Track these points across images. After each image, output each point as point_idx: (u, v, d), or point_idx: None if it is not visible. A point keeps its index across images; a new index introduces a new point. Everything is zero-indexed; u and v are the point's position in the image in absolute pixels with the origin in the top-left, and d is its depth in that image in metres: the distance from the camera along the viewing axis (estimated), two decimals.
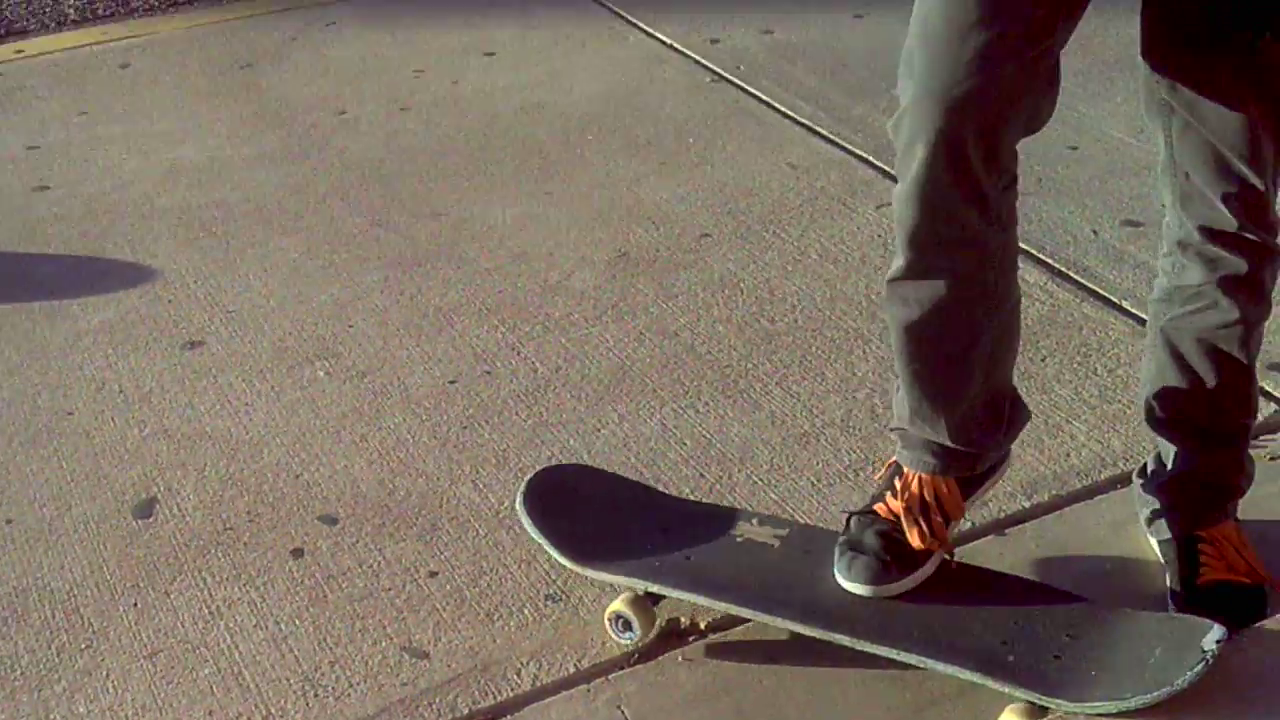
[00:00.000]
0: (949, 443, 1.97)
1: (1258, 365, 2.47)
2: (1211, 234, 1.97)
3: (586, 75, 3.86)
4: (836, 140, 3.42)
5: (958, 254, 1.86)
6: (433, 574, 2.22)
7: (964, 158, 1.77)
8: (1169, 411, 2.09)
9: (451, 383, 2.65)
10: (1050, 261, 2.91)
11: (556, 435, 2.50)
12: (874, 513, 2.04)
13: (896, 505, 2.02)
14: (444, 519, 2.33)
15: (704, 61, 3.86)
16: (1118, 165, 3.26)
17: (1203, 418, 2.07)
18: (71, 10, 4.60)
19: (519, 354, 2.72)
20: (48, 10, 4.61)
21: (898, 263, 1.87)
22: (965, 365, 1.94)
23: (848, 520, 2.06)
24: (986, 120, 1.77)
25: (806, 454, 2.43)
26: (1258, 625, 1.92)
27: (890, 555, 1.99)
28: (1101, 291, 2.80)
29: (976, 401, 1.97)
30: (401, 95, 3.83)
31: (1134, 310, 2.74)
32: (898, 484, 2.03)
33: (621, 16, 4.18)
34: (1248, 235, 1.94)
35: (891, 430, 2.06)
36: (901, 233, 1.83)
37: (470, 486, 2.39)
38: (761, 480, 2.37)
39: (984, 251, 1.89)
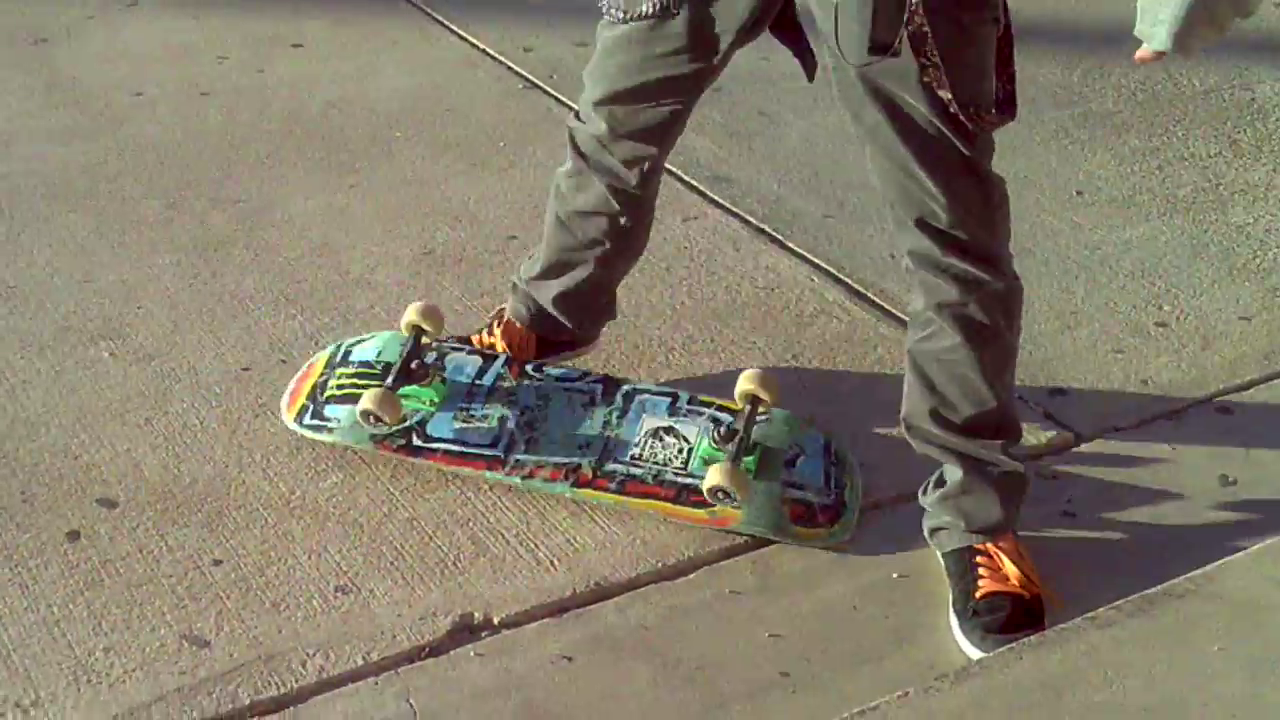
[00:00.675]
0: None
1: (1042, 387, 2.58)
2: (917, 260, 2.06)
3: (397, 73, 3.82)
4: None
5: None
6: (217, 562, 2.15)
7: None
8: (924, 431, 2.17)
9: (245, 369, 2.58)
10: (849, 281, 2.97)
11: None
12: None
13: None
14: (231, 507, 2.26)
15: (516, 68, 3.85)
16: None
17: (956, 438, 2.14)
18: None
19: (317, 343, 2.66)
20: None
21: None
22: None
23: None
24: None
25: None
26: (1032, 636, 1.98)
27: None
28: (897, 312, 2.87)
29: None
30: (203, 81, 3.72)
31: None
32: None
33: (434, 18, 4.14)
34: (951, 263, 2.02)
35: None
36: None
37: (260, 474, 2.33)
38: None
39: None
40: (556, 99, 3.68)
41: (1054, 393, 2.65)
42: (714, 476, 2.20)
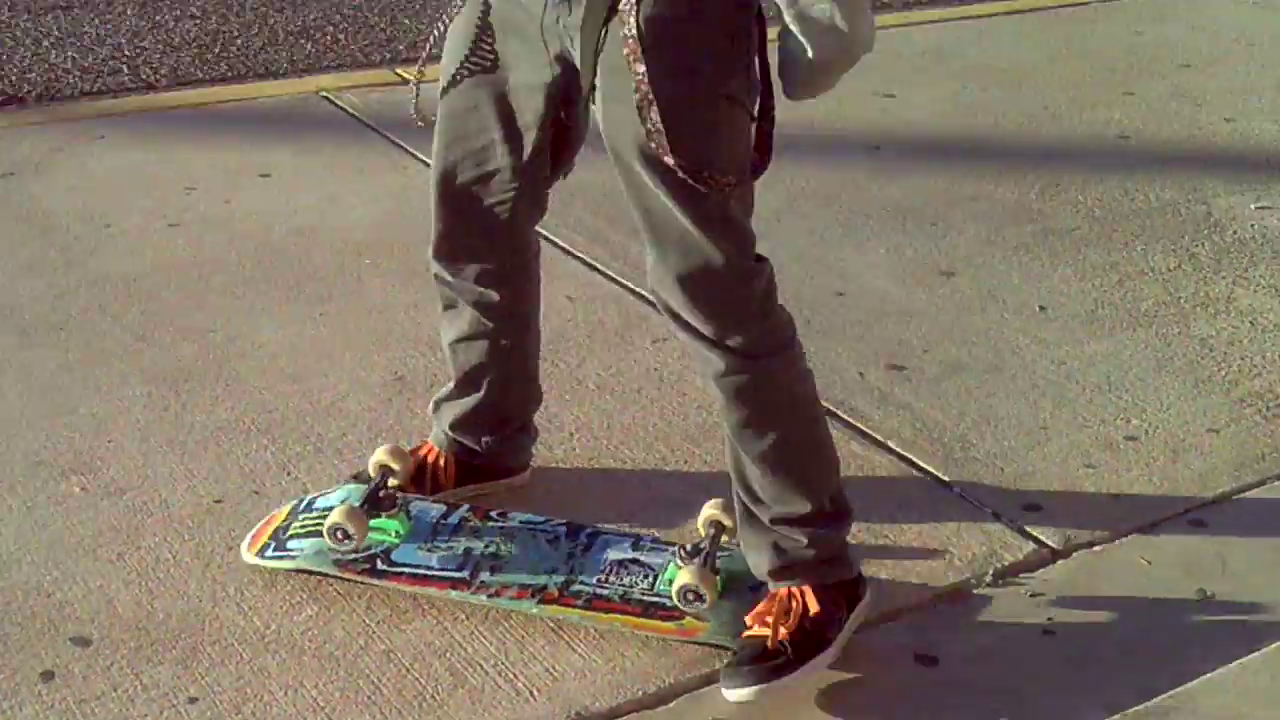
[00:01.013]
0: None
1: (1015, 503, 2.60)
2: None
3: (364, 201, 3.85)
4: (613, 276, 3.48)
5: None
6: (192, 700, 2.12)
7: None
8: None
9: (217, 502, 2.56)
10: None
11: None
12: None
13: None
14: (206, 642, 2.23)
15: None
16: (881, 311, 3.40)
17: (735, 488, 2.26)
18: None
19: (289, 474, 2.65)
20: None
21: None
22: None
23: None
24: None
25: None
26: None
27: None
28: (867, 430, 2.89)
29: None
30: (170, 212, 3.74)
31: (898, 449, 2.83)
32: None
33: (400, 146, 4.19)
34: (685, 338, 2.17)
35: None
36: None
37: (234, 609, 2.31)
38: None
39: None
40: None
41: (1028, 508, 2.66)
42: (684, 577, 2.25)
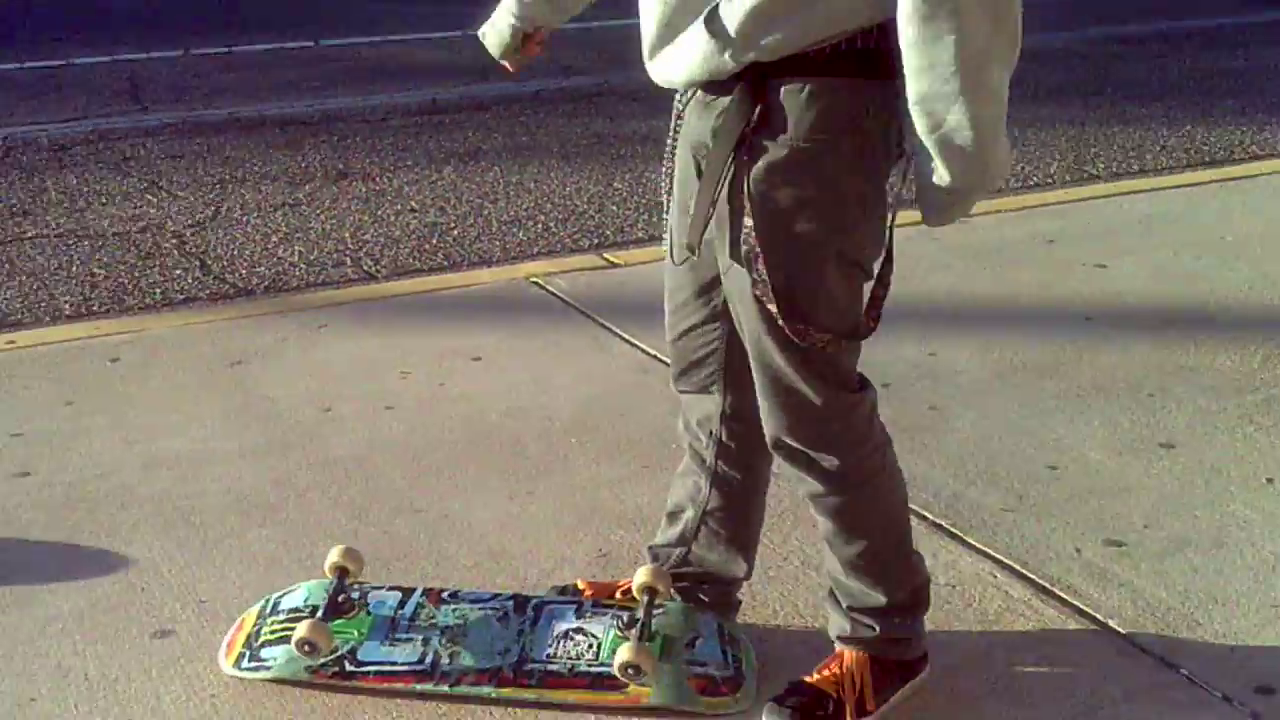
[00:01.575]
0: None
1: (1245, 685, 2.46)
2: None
3: (571, 381, 3.92)
4: None
5: None
6: None
7: None
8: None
9: None
10: (1034, 578, 2.90)
11: None
12: None
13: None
14: None
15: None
16: (1097, 485, 3.29)
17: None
18: (66, 305, 4.69)
19: None
20: (43, 304, 4.69)
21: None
22: None
23: None
24: None
25: None
26: None
27: None
28: (1085, 609, 2.79)
29: None
30: (387, 395, 3.87)
31: (1119, 629, 2.72)
32: None
33: (606, 327, 4.28)
34: (784, 465, 2.35)
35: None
36: None
37: None
38: None
39: None
40: None
41: (1260, 690, 2.51)
42: (623, 654, 2.44)
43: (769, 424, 2.28)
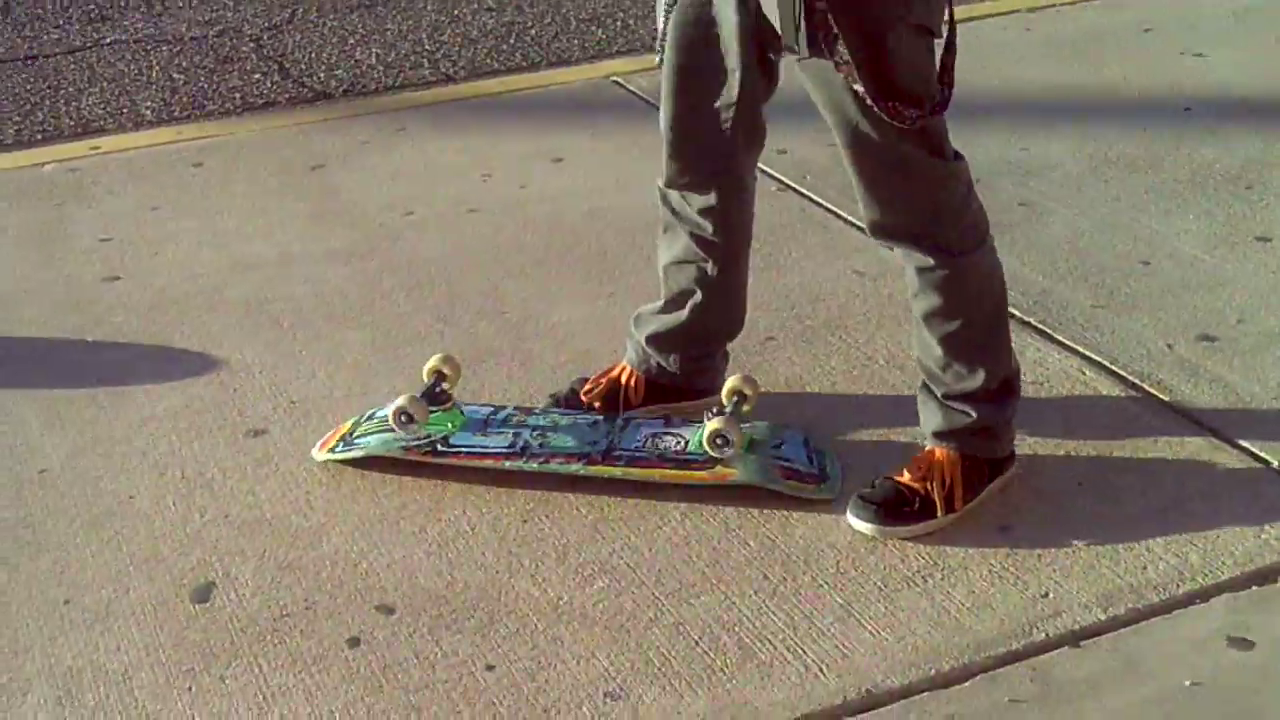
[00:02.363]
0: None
1: None
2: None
3: (653, 181, 3.87)
4: None
5: None
6: (490, 667, 2.17)
7: None
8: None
9: (511, 474, 2.62)
10: (1124, 374, 2.86)
11: (617, 530, 2.47)
12: None
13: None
14: (502, 613, 2.29)
15: (770, 170, 3.86)
16: (1191, 280, 3.23)
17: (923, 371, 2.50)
18: (148, 111, 4.69)
19: None
20: (125, 111, 4.70)
21: None
22: None
23: None
24: None
25: (873, 559, 2.38)
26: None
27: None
28: (1176, 405, 2.75)
29: None
30: (469, 198, 3.86)
31: (1210, 424, 2.68)
32: None
33: None
34: (890, 245, 2.41)
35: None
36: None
37: (529, 580, 2.36)
38: (827, 583, 2.32)
39: None
40: (811, 199, 3.69)
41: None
42: (714, 424, 2.49)
43: (871, 210, 2.35)
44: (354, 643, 2.23)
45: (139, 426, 2.83)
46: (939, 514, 2.42)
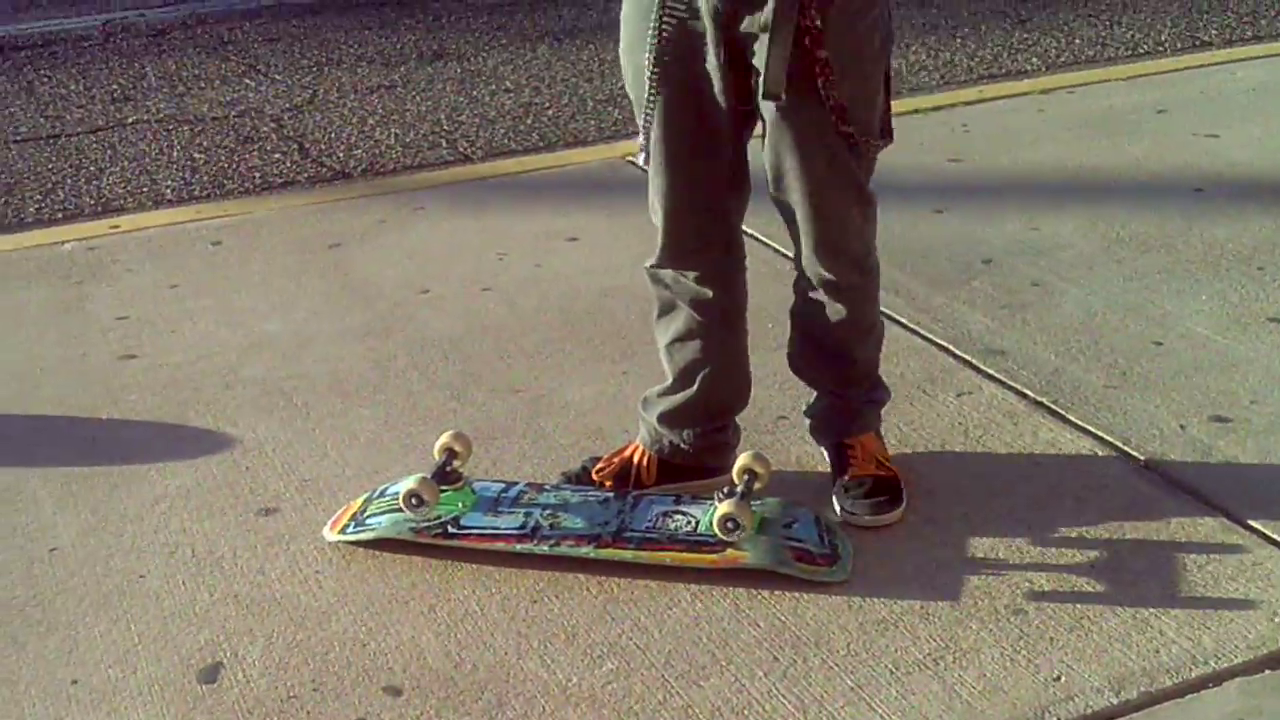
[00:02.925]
0: None
1: None
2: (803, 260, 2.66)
3: None
4: (916, 329, 3.42)
5: None
6: None
7: None
8: (804, 374, 2.86)
9: (522, 556, 2.62)
10: (1136, 455, 2.85)
11: (626, 611, 2.46)
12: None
13: None
14: (510, 694, 2.28)
15: (785, 251, 3.88)
16: (1203, 361, 3.22)
17: (825, 380, 2.81)
18: (168, 190, 4.75)
19: None
20: (145, 190, 4.76)
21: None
22: None
23: None
24: None
25: (884, 640, 2.36)
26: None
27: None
28: (1189, 486, 2.74)
29: None
30: (484, 276, 3.88)
31: (1223, 505, 2.67)
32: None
33: None
34: (825, 269, 2.63)
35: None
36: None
37: (538, 662, 2.35)
38: (837, 665, 2.30)
39: None
40: None
41: None
42: (724, 508, 2.51)
43: (822, 250, 2.58)
44: None
45: (151, 505, 2.84)
46: (905, 483, 2.73)
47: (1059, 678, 2.26)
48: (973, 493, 2.75)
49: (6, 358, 3.51)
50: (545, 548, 2.57)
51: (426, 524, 2.62)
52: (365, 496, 2.76)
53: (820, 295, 2.65)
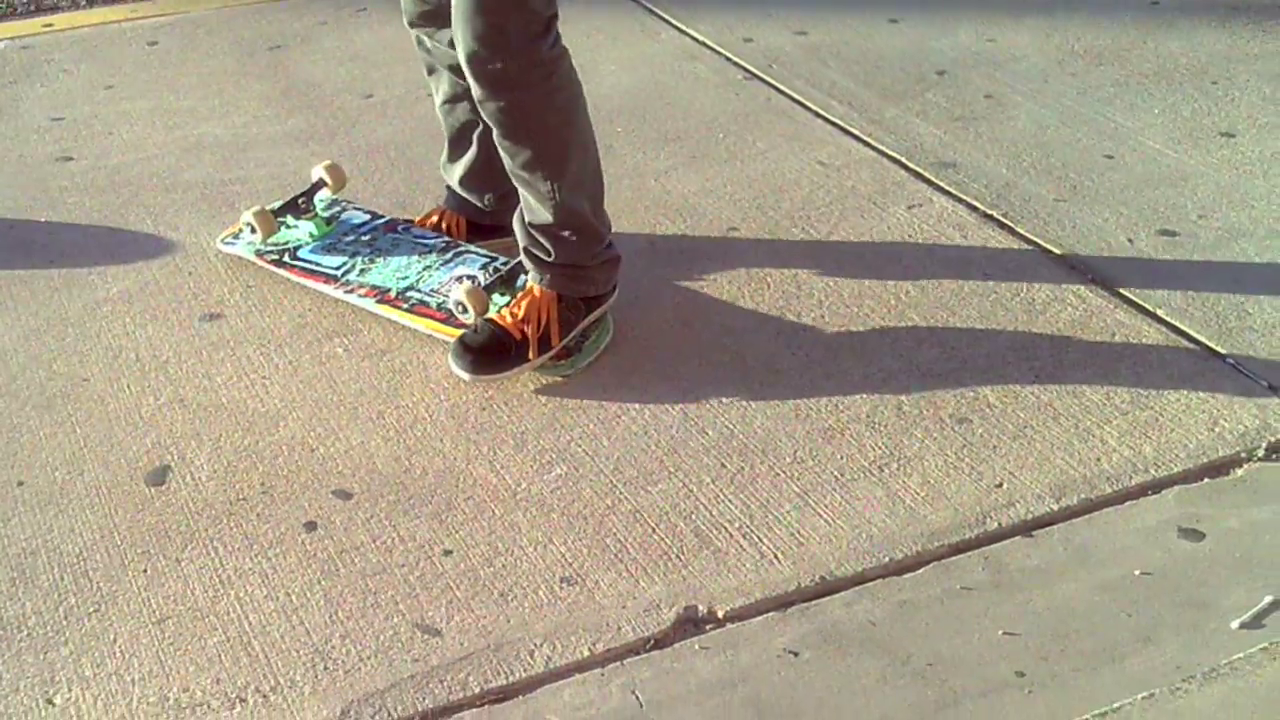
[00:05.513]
0: None
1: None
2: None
3: (617, 69, 3.83)
4: (868, 140, 3.39)
5: None
6: (447, 552, 2.18)
7: None
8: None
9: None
10: (1083, 267, 2.86)
11: (576, 419, 2.46)
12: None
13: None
14: (459, 498, 2.29)
15: (737, 59, 3.82)
16: (1154, 175, 3.22)
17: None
18: None
19: None
20: None
21: None
22: None
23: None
24: None
25: (830, 448, 2.38)
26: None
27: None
28: (1135, 299, 2.76)
29: None
30: (428, 81, 3.79)
31: (1167, 318, 2.69)
32: None
33: (654, 13, 4.15)
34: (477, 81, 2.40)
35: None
36: None
37: (486, 466, 2.36)
38: (784, 472, 2.33)
39: None
40: (776, 89, 3.65)
41: None
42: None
43: (462, 40, 2.35)
44: (311, 527, 2.23)
45: (93, 309, 2.80)
46: (532, 356, 2.54)
47: (1001, 484, 2.29)
48: (921, 304, 2.76)
49: None
50: (341, 293, 2.74)
51: (269, 249, 2.86)
52: (256, 209, 2.93)
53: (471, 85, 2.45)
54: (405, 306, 2.69)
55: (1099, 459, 2.34)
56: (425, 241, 2.87)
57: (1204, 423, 2.42)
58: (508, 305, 2.59)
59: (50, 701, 1.92)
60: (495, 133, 2.47)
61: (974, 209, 3.09)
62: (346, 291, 2.74)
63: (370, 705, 1.92)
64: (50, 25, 4.24)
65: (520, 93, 2.40)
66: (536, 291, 2.58)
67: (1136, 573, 2.11)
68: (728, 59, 3.85)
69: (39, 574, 2.14)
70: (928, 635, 2.01)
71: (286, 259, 2.85)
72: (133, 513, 2.26)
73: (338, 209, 2.98)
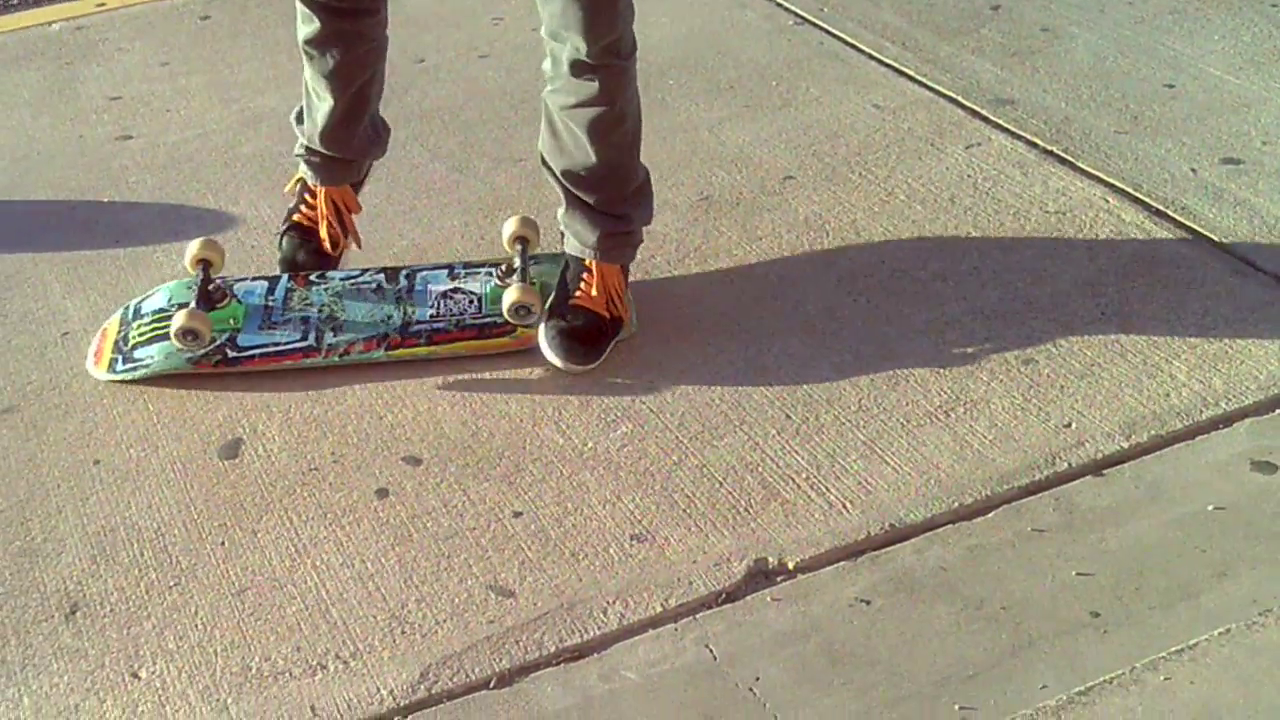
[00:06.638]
0: None
1: None
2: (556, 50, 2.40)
3: (668, 20, 3.81)
4: (923, 81, 3.35)
5: None
6: (517, 514, 2.20)
7: None
8: (546, 166, 2.53)
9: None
10: (1147, 200, 2.83)
11: (639, 376, 2.47)
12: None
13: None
14: (527, 460, 2.31)
15: (787, 5, 3.79)
16: (1215, 103, 3.17)
17: (564, 180, 2.50)
18: None
19: None
20: None
21: None
22: None
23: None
24: None
25: (895, 395, 2.38)
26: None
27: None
28: (1199, 229, 2.72)
29: None
30: (480, 43, 3.80)
31: (1234, 248, 2.66)
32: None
33: None
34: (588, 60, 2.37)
35: None
36: None
37: (553, 428, 2.37)
38: (849, 421, 2.33)
39: None
40: (829, 33, 3.61)
41: None
42: (512, 295, 2.47)
43: (580, 32, 2.34)
44: (382, 494, 2.26)
45: (159, 286, 2.83)
46: (626, 329, 2.55)
47: (1069, 424, 2.28)
48: (982, 246, 2.74)
49: (2, 142, 3.46)
50: (335, 359, 2.52)
51: (203, 352, 2.51)
52: (119, 316, 2.66)
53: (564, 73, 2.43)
54: (422, 341, 2.53)
55: (1168, 394, 2.32)
56: (359, 281, 2.65)
57: (1274, 353, 2.39)
58: (581, 290, 2.53)
59: (135, 675, 1.97)
60: (583, 132, 2.42)
61: (1033, 145, 3.05)
62: (340, 356, 2.52)
63: (448, 668, 1.94)
64: (103, 4, 4.27)
65: (629, 94, 2.47)
66: (602, 269, 2.53)
67: (1209, 508, 2.09)
68: (778, 4, 3.82)
69: (119, 551, 2.18)
70: (1000, 579, 2.01)
71: (231, 354, 2.52)
72: (208, 486, 2.30)
73: (226, 284, 2.64)
